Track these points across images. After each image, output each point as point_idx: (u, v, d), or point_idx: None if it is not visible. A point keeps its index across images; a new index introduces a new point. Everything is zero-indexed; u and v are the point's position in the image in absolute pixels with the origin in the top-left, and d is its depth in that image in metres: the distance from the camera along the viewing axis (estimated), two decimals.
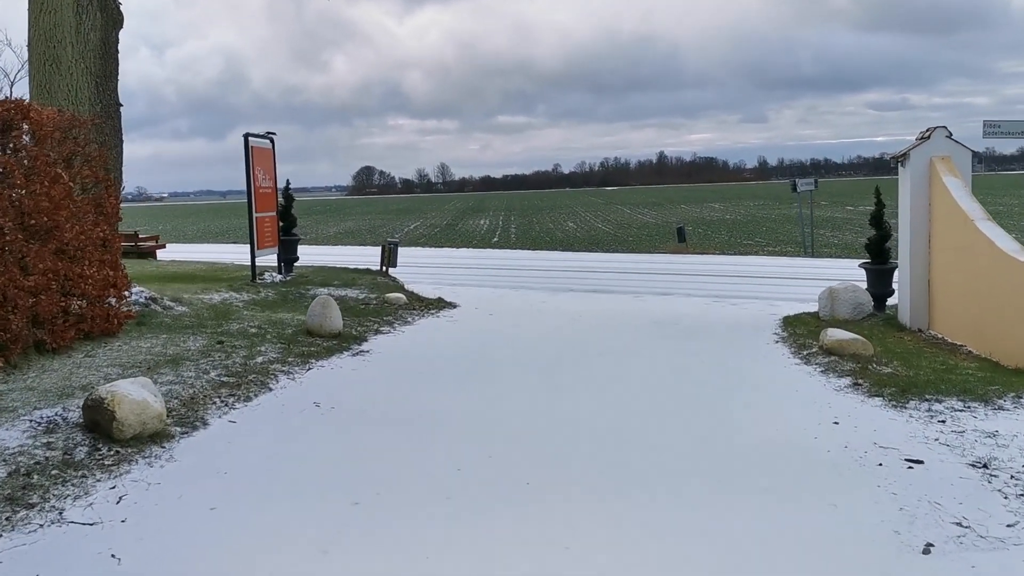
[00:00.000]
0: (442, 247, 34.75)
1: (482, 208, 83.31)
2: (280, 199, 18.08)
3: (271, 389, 8.23)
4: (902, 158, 12.15)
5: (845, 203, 62.38)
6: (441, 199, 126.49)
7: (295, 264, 18.34)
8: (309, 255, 29.36)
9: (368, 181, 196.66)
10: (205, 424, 6.90)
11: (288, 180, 18.26)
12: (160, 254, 23.68)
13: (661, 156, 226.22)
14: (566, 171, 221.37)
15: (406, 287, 17.88)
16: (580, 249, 31.82)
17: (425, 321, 13.59)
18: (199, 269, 19.42)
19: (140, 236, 22.83)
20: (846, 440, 6.56)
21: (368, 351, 10.54)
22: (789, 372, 9.27)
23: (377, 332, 12.02)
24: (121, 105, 11.50)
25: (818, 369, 9.24)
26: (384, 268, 18.87)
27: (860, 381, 8.45)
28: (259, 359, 9.28)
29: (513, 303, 16.76)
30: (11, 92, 15.73)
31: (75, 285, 9.03)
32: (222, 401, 7.56)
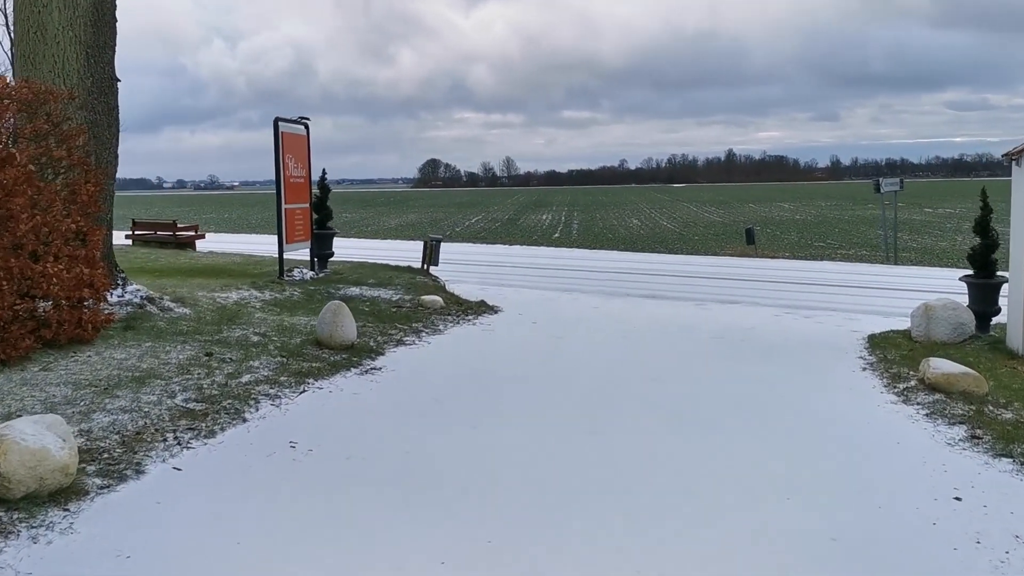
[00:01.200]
0: (496, 244, 33.21)
1: (545, 203, 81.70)
2: (315, 190, 16.73)
3: (245, 420, 6.74)
4: (1017, 156, 10.22)
5: (923, 204, 59.33)
6: (505, 193, 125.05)
7: (330, 260, 16.97)
8: (355, 249, 28.06)
9: (433, 174, 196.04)
10: (140, 472, 5.42)
11: (324, 170, 16.86)
12: (200, 244, 22.59)
13: (729, 153, 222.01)
14: (632, 167, 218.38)
15: (447, 288, 16.40)
16: (643, 247, 30.03)
17: (458, 330, 12.05)
18: (232, 262, 18.19)
19: (178, 226, 21.73)
20: (976, 528, 4.83)
21: (380, 368, 9.02)
22: (885, 415, 7.48)
23: (399, 343, 10.51)
24: (118, 80, 10.16)
25: (921, 412, 7.44)
26: (425, 266, 17.40)
27: (978, 432, 6.66)
28: (245, 377, 7.83)
29: (561, 309, 15.15)
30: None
31: (36, 286, 7.68)
32: (176, 438, 6.09)
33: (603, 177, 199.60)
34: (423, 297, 14.05)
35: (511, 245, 29.73)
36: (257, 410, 6.99)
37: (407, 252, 24.05)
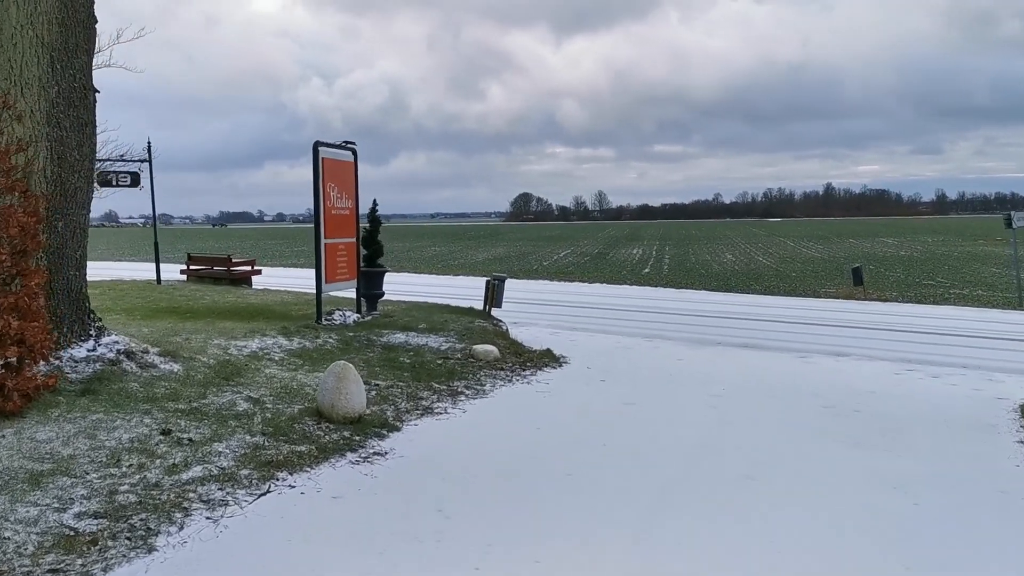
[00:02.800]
0: (575, 281, 30.93)
1: (637, 237, 79.10)
2: (365, 224, 14.89)
3: (152, 550, 4.66)
4: None
5: None
6: (596, 227, 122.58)
7: (382, 300, 15.06)
8: (423, 286, 26.20)
9: (525, 208, 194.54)
10: None
11: (375, 201, 14.94)
12: (258, 280, 21.04)
13: (828, 188, 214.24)
14: (727, 201, 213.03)
15: (508, 333, 14.30)
16: (737, 284, 27.35)
17: (507, 391, 9.89)
18: (279, 301, 16.47)
19: (233, 261, 20.21)
20: None
21: (385, 453, 6.89)
22: None
23: (425, 412, 8.39)
24: (96, 92, 8.42)
25: None
26: (487, 308, 15.33)
27: None
28: (192, 471, 5.82)
29: (639, 360, 12.86)
30: None
31: None
32: None
33: (696, 211, 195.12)
34: (476, 347, 11.97)
35: (591, 283, 27.42)
36: (181, 530, 4.94)
37: (479, 290, 22.07)
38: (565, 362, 12.46)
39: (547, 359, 12.49)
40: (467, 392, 9.52)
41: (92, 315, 8.37)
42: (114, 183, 18.85)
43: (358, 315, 13.87)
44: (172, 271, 22.53)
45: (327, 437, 7.00)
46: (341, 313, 13.62)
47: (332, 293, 14.47)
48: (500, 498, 5.90)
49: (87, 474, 5.49)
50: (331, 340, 11.81)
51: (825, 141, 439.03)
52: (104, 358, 8.05)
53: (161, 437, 6.42)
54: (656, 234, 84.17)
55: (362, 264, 14.50)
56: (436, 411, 8.46)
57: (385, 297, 17.86)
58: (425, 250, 60.41)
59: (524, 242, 73.38)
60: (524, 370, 11.41)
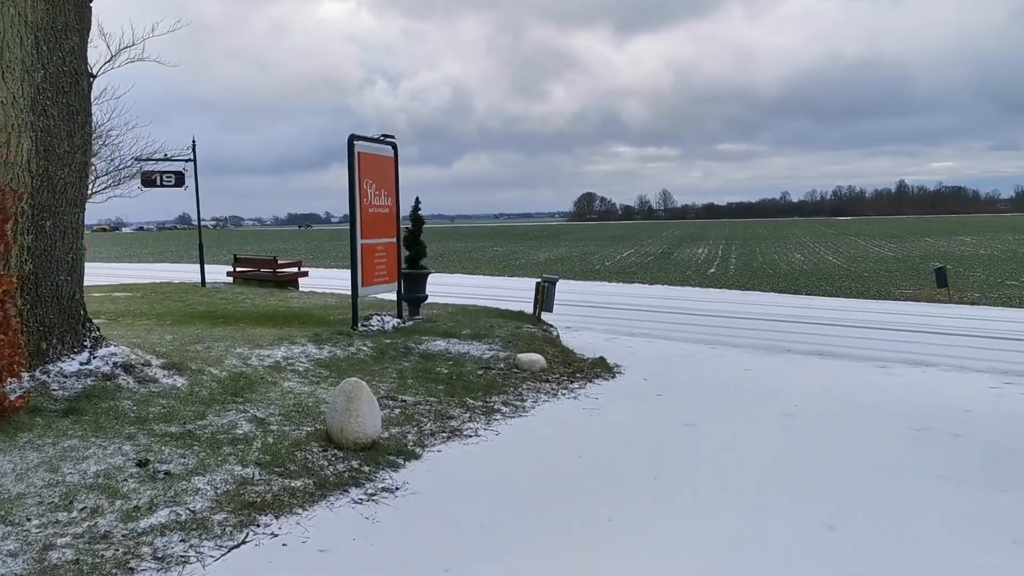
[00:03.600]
0: (634, 283, 29.62)
1: (702, 236, 77.18)
2: (407, 223, 13.95)
3: None
4: None
5: None
6: (660, 226, 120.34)
7: (426, 303, 14.09)
8: (477, 287, 25.25)
9: (589, 207, 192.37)
10: None
11: (417, 199, 14.06)
12: (305, 282, 20.29)
13: (900, 185, 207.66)
14: (795, 199, 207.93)
15: (559, 339, 13.22)
16: (806, 285, 25.77)
17: (551, 408, 8.81)
18: (321, 305, 15.63)
19: (279, 263, 19.47)
20: None
21: (396, 490, 5.85)
22: None
23: (453, 434, 7.35)
24: (93, 77, 7.59)
25: None
26: (537, 312, 14.27)
27: None
28: (155, 517, 4.86)
29: (701, 370, 11.68)
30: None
31: None
32: None
33: (763, 210, 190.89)
34: (520, 356, 10.92)
35: (652, 284, 26.12)
36: None
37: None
38: (619, 372, 11.34)
39: (599, 369, 11.39)
40: (504, 409, 8.46)
41: (88, 324, 7.52)
42: (158, 183, 18.25)
43: (398, 320, 12.92)
44: (218, 273, 21.97)
45: (331, 468, 6.00)
46: (380, 318, 12.68)
47: (374, 296, 13.60)
48: (523, 552, 4.83)
49: (28, 520, 4.58)
50: (365, 348, 10.87)
51: (897, 138, 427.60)
52: (98, 372, 7.19)
53: (136, 470, 5.49)
54: (722, 233, 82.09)
55: (404, 266, 13.56)
56: (465, 433, 7.41)
57: (432, 300, 16.90)
58: (487, 250, 59.57)
59: (587, 242, 72.09)
60: (572, 382, 10.32)
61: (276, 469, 5.80)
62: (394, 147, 13.02)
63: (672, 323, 17.11)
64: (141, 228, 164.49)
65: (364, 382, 6.63)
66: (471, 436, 7.34)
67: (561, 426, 7.98)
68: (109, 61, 12.85)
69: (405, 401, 8.29)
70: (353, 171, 11.88)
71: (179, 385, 7.58)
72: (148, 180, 18.13)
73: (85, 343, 7.39)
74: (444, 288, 24.74)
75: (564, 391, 9.74)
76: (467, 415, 8.04)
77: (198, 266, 22.70)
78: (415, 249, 13.68)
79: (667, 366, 12.08)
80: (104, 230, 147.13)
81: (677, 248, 57.35)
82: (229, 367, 8.67)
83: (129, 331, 11.27)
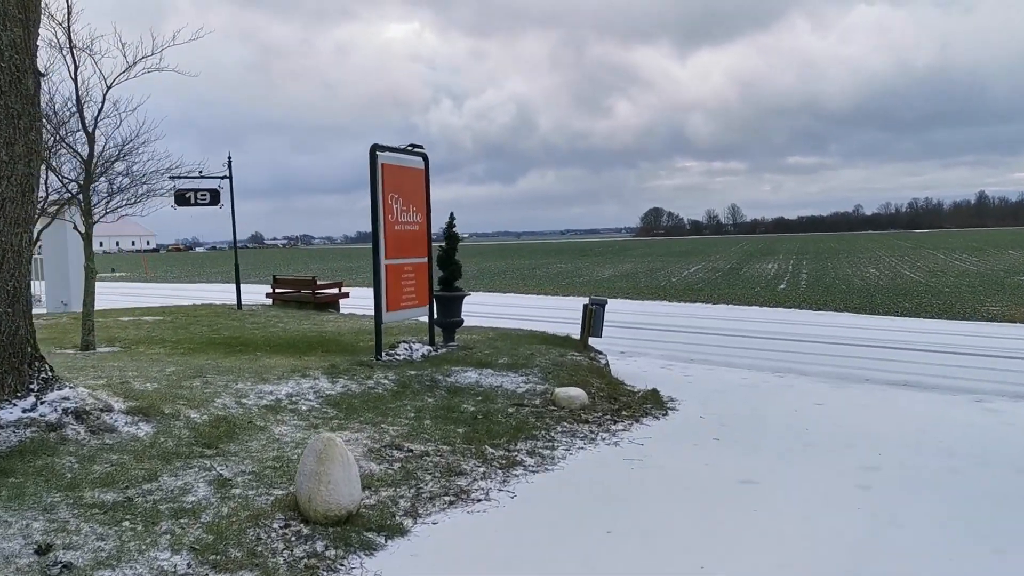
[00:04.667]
0: (697, 303, 27.92)
1: (772, 251, 74.65)
2: (440, 243, 12.76)
3: None
4: None
5: None
6: (729, 241, 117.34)
7: (461, 328, 12.84)
8: (526, 308, 23.86)
9: (656, 222, 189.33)
10: None
11: (452, 215, 12.79)
12: (347, 303, 19.23)
13: (980, 196, 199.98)
14: (868, 212, 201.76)
15: (607, 368, 11.87)
16: (883, 302, 23.78)
17: (585, 458, 7.44)
18: (351, 330, 14.48)
19: (318, 283, 18.43)
20: None
21: None
22: None
23: (457, 498, 6.03)
24: (43, 75, 6.56)
25: None
26: (584, 337, 12.89)
27: None
28: None
29: (766, 404, 10.19)
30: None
31: None
32: None
33: (836, 224, 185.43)
34: (559, 391, 9.56)
35: (715, 304, 24.42)
36: None
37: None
38: (672, 408, 9.93)
39: (650, 404, 9.99)
40: (528, 461, 7.12)
41: (37, 363, 6.43)
42: (193, 201, 17.40)
43: (429, 347, 11.69)
44: (256, 294, 21.07)
45: (286, 553, 4.73)
46: (407, 346, 11.47)
47: (415, 319, 12.43)
48: None
49: None
50: (385, 381, 9.64)
51: (973, 147, 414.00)
52: (42, 421, 6.07)
53: (32, 559, 4.31)
54: (793, 248, 79.43)
55: (437, 287, 12.35)
56: (473, 496, 6.08)
57: (476, 323, 15.69)
58: (551, 267, 58.20)
59: (653, 257, 70.24)
60: (616, 421, 8.93)
61: (213, 556, 4.56)
62: (424, 158, 11.83)
63: (736, 347, 15.55)
64: (214, 247, 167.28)
65: (338, 437, 5.35)
66: (480, 500, 6.01)
67: (593, 484, 6.60)
68: (125, 71, 11.88)
69: (411, 451, 7.02)
70: (376, 184, 10.71)
71: (141, 435, 6.42)
72: (182, 198, 17.29)
73: (31, 386, 6.29)
74: (492, 309, 23.51)
75: (604, 434, 8.35)
76: (482, 469, 6.72)
77: (248, 287, 21.89)
78: (449, 269, 12.45)
79: (728, 399, 10.62)
80: (179, 249, 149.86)
81: (746, 263, 55.28)
82: (215, 409, 7.51)
83: (132, 362, 10.26)
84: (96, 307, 20.48)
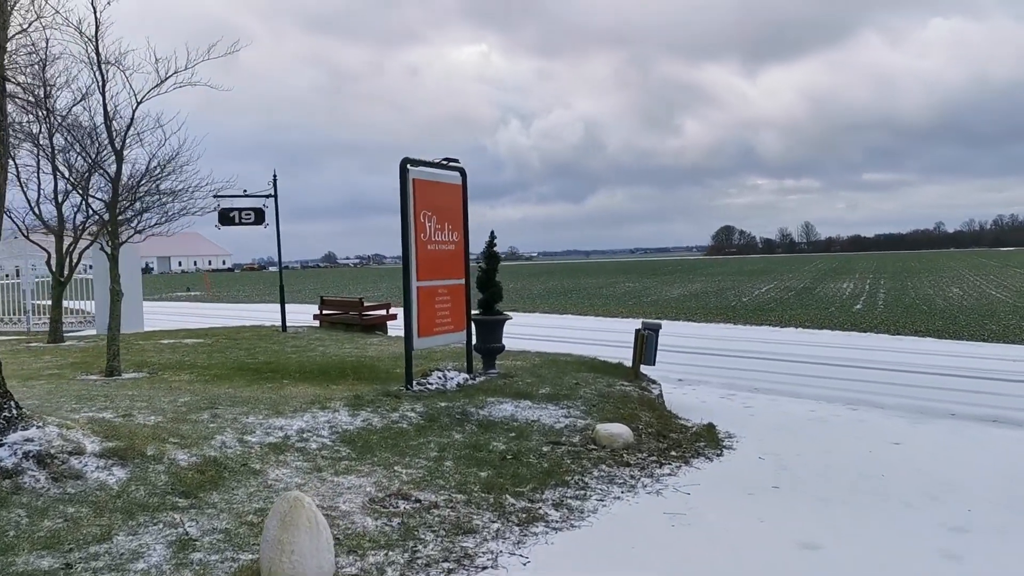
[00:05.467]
0: (764, 325, 26.52)
1: (848, 270, 72.15)
2: (479, 263, 11.94)
3: None
4: None
5: None
6: (803, 259, 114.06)
7: (503, 353, 11.95)
8: (583, 331, 22.85)
9: (727, 241, 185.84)
10: None
11: (493, 233, 11.88)
12: (395, 325, 18.49)
13: None
14: (950, 229, 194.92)
15: (663, 399, 10.89)
16: (967, 325, 22.14)
17: (620, 512, 6.46)
18: (392, 355, 13.67)
19: (365, 305, 17.75)
20: None
21: None
22: None
23: (459, 566, 5.08)
24: (7, 80, 5.87)
25: None
26: (636, 365, 11.90)
27: None
28: None
29: (836, 443, 9.10)
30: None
31: None
32: None
33: (915, 241, 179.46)
34: (601, 427, 8.61)
35: (783, 327, 23.03)
36: None
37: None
38: (729, 446, 8.91)
39: (703, 441, 8.97)
40: (552, 516, 6.18)
41: (1, 400, 5.75)
42: (237, 220, 16.92)
43: (466, 376, 10.84)
44: (302, 315, 20.51)
45: None
46: (441, 374, 10.63)
47: (455, 344, 11.65)
48: None
49: None
50: (412, 414, 8.82)
51: None
52: None
53: None
54: (870, 266, 76.75)
55: (477, 311, 11.51)
56: (478, 562, 5.16)
57: (524, 347, 14.83)
58: (618, 286, 56.93)
59: (723, 276, 68.45)
60: (662, 464, 7.95)
61: None
62: (462, 173, 11.03)
63: (805, 375, 14.35)
64: (286, 267, 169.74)
65: (307, 497, 4.51)
66: (485, 568, 5.09)
67: (624, 547, 5.63)
68: (157, 86, 11.38)
69: (419, 501, 6.15)
70: (407, 201, 9.93)
71: (111, 482, 5.68)
72: (226, 217, 16.83)
73: None
74: (547, 331, 22.59)
75: (647, 479, 7.38)
76: (496, 525, 5.81)
77: (305, 307, 21.42)
78: (489, 292, 11.59)
79: (792, 436, 9.54)
80: (253, 269, 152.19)
81: (820, 282, 53.32)
82: (210, 448, 6.77)
83: (150, 390, 9.66)
84: (145, 328, 20.27)
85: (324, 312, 18.68)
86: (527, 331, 22.67)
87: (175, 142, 11.97)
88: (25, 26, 13.05)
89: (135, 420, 7.54)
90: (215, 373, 11.38)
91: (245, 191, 16.82)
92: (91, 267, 19.70)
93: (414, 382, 10.08)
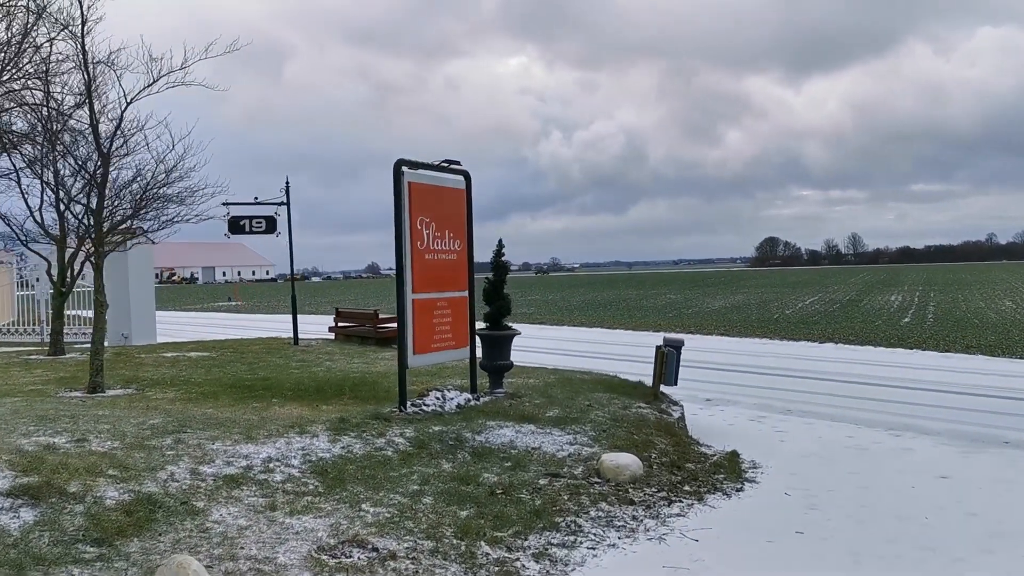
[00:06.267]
0: (801, 340, 25.24)
1: (895, 282, 70.08)
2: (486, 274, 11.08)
3: None
4: None
5: None
6: (849, 271, 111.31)
7: (507, 372, 11.03)
8: (604, 345, 21.81)
9: (772, 252, 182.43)
10: None
11: (501, 241, 10.99)
12: None
13: None
14: (1003, 241, 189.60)
15: (684, 422, 9.99)
16: (1022, 342, 20.78)
17: (610, 561, 5.53)
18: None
19: (380, 317, 16.96)
20: None
21: None
22: None
23: None
24: None
25: None
26: (655, 386, 10.94)
27: None
28: None
29: (874, 476, 8.11)
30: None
31: None
32: None
33: (966, 253, 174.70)
34: (607, 457, 7.68)
35: (821, 343, 21.73)
36: None
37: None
38: (752, 479, 7.95)
39: (723, 473, 8.02)
40: (530, 570, 5.26)
41: None
42: (247, 229, 16.26)
43: (469, 396, 9.95)
44: (315, 327, 19.79)
45: None
46: (440, 395, 9.75)
47: (437, 364, 10.80)
48: None
49: None
50: (400, 440, 7.96)
51: None
52: None
53: None
54: (919, 278, 74.55)
55: (485, 326, 10.65)
56: None
57: (540, 364, 13.93)
58: (659, 297, 55.72)
59: (767, 288, 66.81)
60: (672, 501, 7.00)
61: None
62: (466, 176, 10.18)
63: (844, 395, 13.26)
64: (328, 277, 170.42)
65: (195, 562, 3.66)
66: None
67: None
68: (149, 86, 10.72)
69: (376, 551, 5.27)
70: (401, 206, 9.10)
71: (13, 527, 4.89)
72: (236, 226, 16.18)
73: None
74: (572, 345, 21.65)
75: (651, 521, 6.44)
76: None
77: (328, 319, 20.75)
78: (496, 305, 10.70)
79: (825, 467, 8.55)
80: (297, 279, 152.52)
81: (867, 295, 51.64)
82: (151, 483, 5.96)
83: (124, 411, 8.95)
84: (158, 340, 19.73)
85: (339, 324, 17.96)
86: (549, 345, 21.79)
87: (180, 149, 11.18)
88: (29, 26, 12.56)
89: (86, 447, 6.77)
90: (204, 391, 10.64)
91: (256, 198, 16.16)
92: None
93: (408, 403, 9.22)
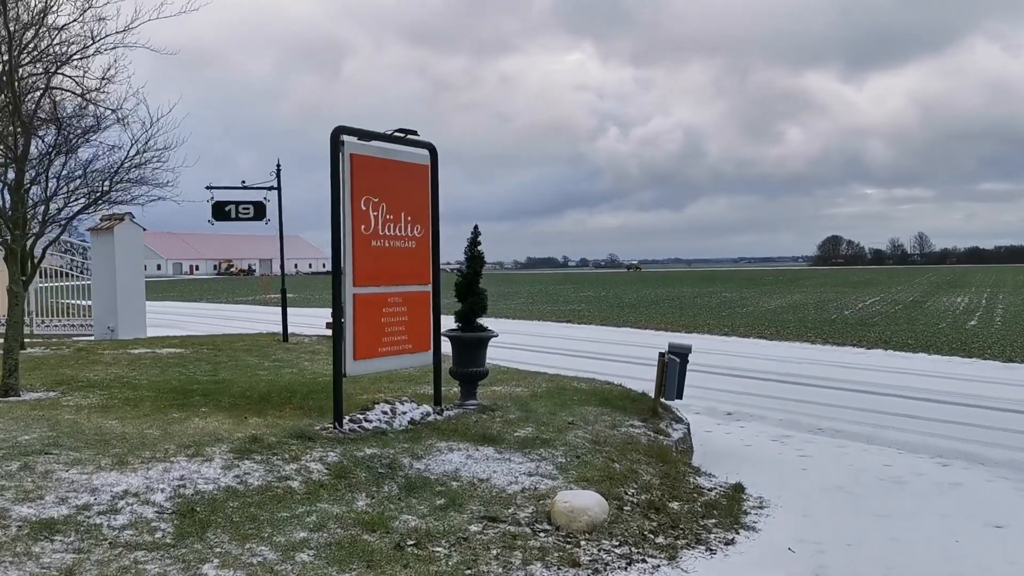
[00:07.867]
0: (846, 345, 23.08)
1: (962, 283, 66.62)
2: (459, 266, 9.52)
3: None
4: None
5: None
6: (914, 271, 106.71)
7: (483, 379, 9.43)
8: (634, 347, 19.94)
9: (835, 251, 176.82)
10: None
11: (476, 227, 9.40)
12: None
13: None
14: None
15: (687, 443, 8.33)
16: None
17: None
18: (383, 373, 11.40)
19: None
20: None
21: None
22: None
23: None
24: None
25: None
26: (656, 399, 9.24)
27: None
28: None
29: (910, 524, 6.37)
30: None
31: None
32: None
33: None
34: (561, 497, 5.99)
35: (868, 349, 19.55)
36: None
37: (711, 355, 15.65)
38: (752, 525, 6.28)
39: (716, 516, 6.37)
40: None
41: None
42: (233, 215, 14.92)
43: (428, 409, 8.38)
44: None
45: None
46: (389, 409, 8.16)
47: (386, 371, 9.28)
48: None
49: None
50: (316, 466, 6.44)
51: None
52: None
53: None
54: (987, 279, 70.84)
55: (457, 326, 9.08)
56: None
57: (543, 368, 12.34)
58: (714, 296, 53.40)
59: (826, 288, 63.96)
60: (632, 561, 5.33)
61: None
62: (431, 150, 8.58)
63: (886, 412, 11.37)
64: None
65: None
66: None
67: None
68: (82, 49, 9.39)
69: None
70: (340, 182, 7.55)
71: None
72: (220, 211, 14.84)
73: None
74: (595, 347, 19.90)
75: None
76: None
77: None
78: (469, 301, 9.10)
79: (850, 508, 6.82)
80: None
81: (931, 296, 48.77)
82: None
83: (11, 420, 7.61)
84: (150, 333, 18.57)
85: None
86: (571, 345, 20.18)
87: (154, 129, 9.79)
88: None
89: None
90: (131, 396, 9.26)
91: (243, 182, 14.81)
92: (87, 263, 18.05)
93: (346, 419, 7.68)
